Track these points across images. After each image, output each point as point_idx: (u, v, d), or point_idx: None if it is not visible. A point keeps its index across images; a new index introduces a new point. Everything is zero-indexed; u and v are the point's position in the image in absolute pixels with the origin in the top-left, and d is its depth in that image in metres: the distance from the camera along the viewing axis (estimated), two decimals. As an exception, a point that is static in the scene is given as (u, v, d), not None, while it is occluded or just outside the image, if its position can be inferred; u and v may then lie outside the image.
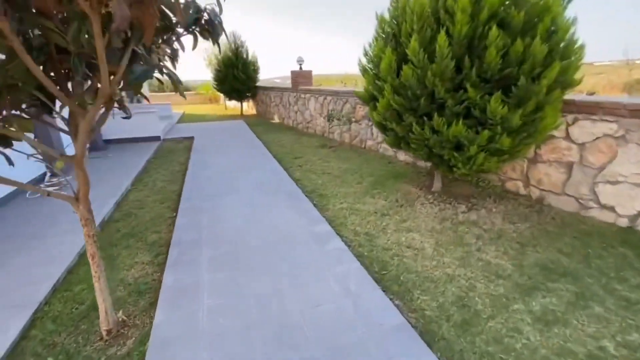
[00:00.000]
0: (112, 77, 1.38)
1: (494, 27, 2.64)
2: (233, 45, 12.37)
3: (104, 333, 1.99)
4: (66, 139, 5.47)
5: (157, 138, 7.99)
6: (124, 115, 1.91)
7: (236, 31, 12.51)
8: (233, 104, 14.61)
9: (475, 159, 3.11)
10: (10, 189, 4.17)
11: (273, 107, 11.66)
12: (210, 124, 10.91)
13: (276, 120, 11.51)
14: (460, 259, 2.72)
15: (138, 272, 2.66)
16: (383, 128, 3.87)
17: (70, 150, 1.80)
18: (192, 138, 8.39)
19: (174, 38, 1.76)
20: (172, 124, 10.55)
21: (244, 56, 12.46)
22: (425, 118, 3.26)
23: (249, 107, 14.84)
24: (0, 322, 2.03)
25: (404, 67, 3.06)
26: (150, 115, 7.88)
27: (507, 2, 2.82)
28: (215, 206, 3.92)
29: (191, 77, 24.86)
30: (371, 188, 4.46)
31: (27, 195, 4.35)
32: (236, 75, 12.12)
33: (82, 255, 2.93)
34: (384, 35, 3.53)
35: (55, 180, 4.89)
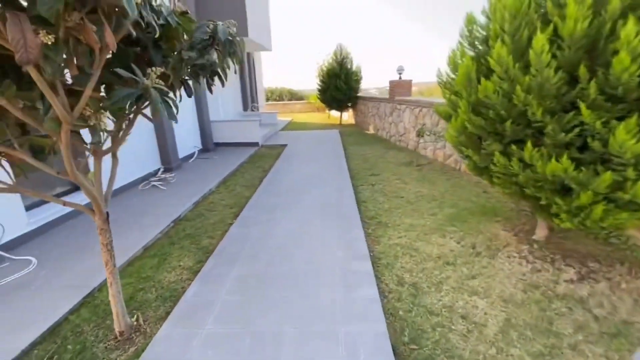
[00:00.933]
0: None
1: (631, 22, 1.71)
2: (339, 57, 12.65)
3: (117, 334, 2.13)
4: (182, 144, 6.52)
5: (256, 144, 8.77)
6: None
7: (342, 43, 12.75)
8: (336, 114, 14.98)
9: (590, 210, 2.13)
10: (121, 183, 5.14)
11: (369, 117, 11.36)
12: (307, 133, 11.39)
13: (371, 131, 11.17)
14: (538, 356, 1.88)
15: (175, 276, 2.82)
16: (460, 151, 3.12)
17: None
18: (285, 145, 8.88)
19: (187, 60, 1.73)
20: (275, 131, 11.47)
21: (348, 67, 12.59)
22: (514, 146, 2.43)
23: (349, 116, 14.95)
24: (53, 300, 2.43)
25: (483, 79, 2.33)
26: (252, 123, 8.71)
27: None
28: (270, 219, 3.91)
29: (307, 86, 26.81)
30: (447, 223, 3.68)
31: (140, 187, 5.31)
32: (338, 86, 12.35)
33: (147, 249, 3.32)
34: (468, 40, 2.82)
35: (163, 175, 5.85)
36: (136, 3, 1.24)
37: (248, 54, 12.89)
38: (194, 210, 4.37)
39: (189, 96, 2.21)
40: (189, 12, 1.74)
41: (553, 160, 2.10)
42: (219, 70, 2.04)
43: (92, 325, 2.25)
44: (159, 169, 6.08)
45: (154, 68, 1.47)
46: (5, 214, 3.15)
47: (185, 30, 1.71)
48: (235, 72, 3.79)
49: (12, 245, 3.21)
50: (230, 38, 1.81)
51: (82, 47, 1.11)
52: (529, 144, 2.27)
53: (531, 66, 2.10)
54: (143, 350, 1.98)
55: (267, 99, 25.97)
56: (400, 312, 2.29)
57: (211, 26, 1.78)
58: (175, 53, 1.77)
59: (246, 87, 12.30)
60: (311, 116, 18.54)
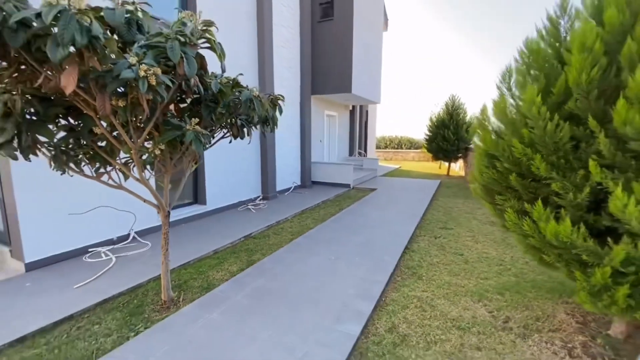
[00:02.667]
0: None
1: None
2: (450, 108, 12.39)
3: (162, 302, 2.94)
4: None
5: (347, 185, 9.42)
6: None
7: (455, 93, 12.48)
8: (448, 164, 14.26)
9: (613, 293, 1.71)
10: (228, 202, 6.53)
11: (478, 170, 10.42)
12: (406, 180, 11.30)
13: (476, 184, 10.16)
14: None
15: (220, 276, 3.56)
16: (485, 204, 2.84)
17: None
18: (374, 190, 9.18)
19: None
20: (374, 175, 11.91)
21: (460, 117, 12.13)
22: (527, 205, 2.17)
23: (460, 168, 13.97)
24: (146, 271, 3.50)
25: (482, 129, 2.26)
26: (346, 166, 9.46)
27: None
28: (312, 250, 4.30)
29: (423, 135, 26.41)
30: (493, 290, 3.24)
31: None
32: (445, 136, 11.97)
33: (216, 253, 4.26)
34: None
35: (259, 202, 7.12)
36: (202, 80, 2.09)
37: (361, 106, 14.18)
38: (264, 232, 5.21)
39: (239, 137, 3.01)
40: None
41: (552, 220, 1.83)
42: (249, 120, 2.77)
43: (155, 292, 3.16)
44: (258, 197, 7.43)
45: (193, 119, 2.31)
46: (141, 210, 4.68)
47: (224, 94, 2.54)
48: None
49: (142, 233, 4.71)
50: (252, 99, 2.54)
51: (139, 108, 1.99)
52: (539, 202, 2.03)
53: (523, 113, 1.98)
54: (167, 317, 2.70)
55: (386, 146, 26.90)
56: (370, 354, 2.27)
57: (240, 92, 2.55)
58: (219, 108, 2.60)
59: (354, 135, 13.42)
60: (422, 165, 18.11)
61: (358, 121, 14.01)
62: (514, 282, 3.40)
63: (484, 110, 2.40)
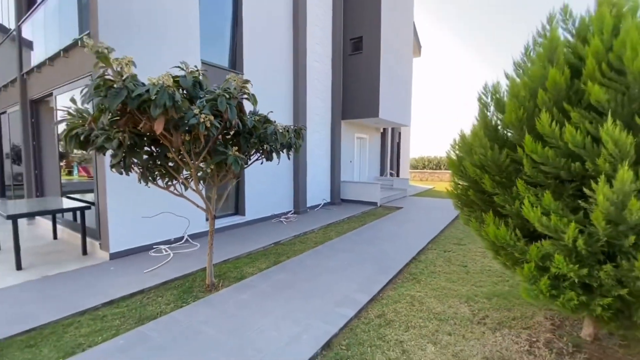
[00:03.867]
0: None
1: (545, 115, 2.09)
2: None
3: (206, 285, 3.82)
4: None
5: (374, 203, 9.97)
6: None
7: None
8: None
9: (538, 284, 2.20)
10: (263, 215, 7.46)
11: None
12: (434, 200, 11.49)
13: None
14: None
15: (251, 270, 4.37)
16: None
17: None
18: (400, 208, 9.61)
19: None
20: (403, 195, 12.28)
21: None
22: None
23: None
24: (195, 263, 4.45)
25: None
26: (373, 185, 10.05)
27: None
28: (330, 255, 4.98)
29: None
30: (483, 295, 3.66)
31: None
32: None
33: (249, 254, 5.12)
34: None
35: (290, 216, 7.97)
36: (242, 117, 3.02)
37: (393, 128, 14.76)
38: (291, 240, 6.00)
39: (269, 159, 3.89)
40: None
41: (492, 225, 2.38)
42: (275, 147, 3.63)
43: (201, 279, 4.06)
44: (289, 211, 8.31)
45: (234, 147, 3.22)
46: (192, 217, 5.74)
47: (257, 128, 3.44)
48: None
49: (193, 236, 5.75)
50: (276, 132, 3.41)
51: (198, 141, 2.93)
52: (490, 212, 2.57)
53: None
54: (204, 297, 3.55)
55: (424, 166, 26.82)
56: (358, 330, 2.89)
57: (268, 126, 3.44)
58: (252, 138, 3.50)
59: (385, 155, 13.98)
60: (459, 186, 17.90)
61: (390, 142, 14.57)
62: (506, 291, 3.77)
63: (454, 139, 3.01)
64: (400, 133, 15.98)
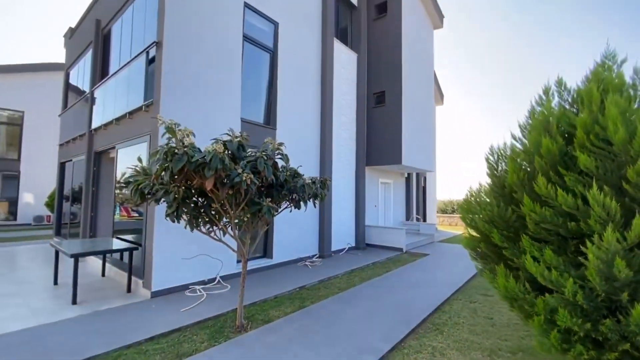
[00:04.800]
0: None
1: (525, 197, 2.38)
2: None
3: (236, 326, 4.09)
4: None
5: (400, 249, 9.95)
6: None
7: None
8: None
9: (549, 337, 2.32)
10: (289, 258, 7.75)
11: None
12: (462, 248, 11.22)
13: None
14: None
15: (277, 314, 4.61)
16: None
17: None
18: (426, 255, 9.52)
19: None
20: (431, 240, 12.11)
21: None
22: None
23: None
24: (226, 304, 4.76)
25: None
26: (398, 231, 10.11)
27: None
28: (352, 302, 5.11)
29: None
30: (507, 349, 3.63)
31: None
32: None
33: (276, 297, 5.37)
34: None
35: (315, 260, 8.19)
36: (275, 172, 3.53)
37: (417, 175, 14.99)
38: (315, 285, 6.19)
39: (297, 208, 4.32)
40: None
41: (501, 277, 2.56)
42: (303, 197, 4.07)
43: (231, 319, 4.34)
44: (315, 255, 8.54)
45: (267, 198, 3.70)
46: (225, 259, 6.14)
47: (288, 182, 3.92)
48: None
49: (224, 278, 6.12)
50: (304, 185, 3.87)
51: (239, 194, 3.43)
52: (501, 264, 2.76)
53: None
54: (234, 338, 3.81)
55: (453, 210, 26.16)
56: (378, 377, 3.00)
57: (297, 180, 3.92)
58: (283, 190, 3.98)
59: (410, 200, 14.07)
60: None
61: (415, 187, 14.72)
62: (532, 346, 3.70)
63: (466, 194, 3.29)
64: (425, 177, 16.13)
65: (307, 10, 8.77)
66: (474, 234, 3.12)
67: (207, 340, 3.72)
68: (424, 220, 15.74)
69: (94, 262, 7.20)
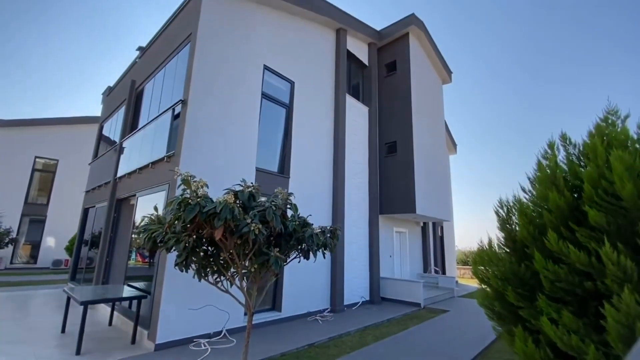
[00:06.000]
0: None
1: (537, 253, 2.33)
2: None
3: (238, 387, 3.84)
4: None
5: (418, 304, 9.38)
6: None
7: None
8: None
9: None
10: (300, 312, 7.43)
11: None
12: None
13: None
14: None
15: (283, 374, 4.32)
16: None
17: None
18: (446, 311, 8.90)
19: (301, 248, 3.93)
20: (451, 295, 11.38)
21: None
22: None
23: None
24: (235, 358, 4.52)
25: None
26: (416, 284, 9.62)
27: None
28: (367, 363, 4.74)
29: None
30: None
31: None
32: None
33: (283, 354, 5.07)
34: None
35: (326, 314, 7.79)
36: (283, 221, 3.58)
37: (434, 224, 14.64)
38: (325, 343, 5.83)
39: (306, 258, 4.28)
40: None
41: (519, 341, 2.37)
42: (312, 247, 4.05)
43: (233, 379, 4.10)
44: (326, 309, 8.15)
45: (276, 248, 3.71)
46: (232, 311, 5.96)
47: (297, 232, 3.95)
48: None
49: (230, 332, 5.89)
50: (312, 235, 3.87)
51: (246, 244, 3.47)
52: (519, 326, 2.57)
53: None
54: (241, 397, 3.56)
55: (472, 262, 24.81)
56: None
57: (306, 230, 3.94)
58: (292, 240, 3.98)
59: (427, 250, 13.55)
60: (515, 287, 16.09)
61: (431, 236, 14.28)
62: None
63: (479, 250, 3.20)
64: (442, 227, 15.69)
65: (321, 69, 9.51)
66: (488, 290, 2.97)
67: (206, 402, 3.50)
68: (443, 272, 14.97)
69: (104, 310, 7.14)
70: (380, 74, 11.91)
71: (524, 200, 2.96)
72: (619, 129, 2.79)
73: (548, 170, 2.83)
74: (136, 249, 6.94)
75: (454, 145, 17.95)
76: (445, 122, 15.18)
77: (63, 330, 5.70)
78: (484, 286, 3.09)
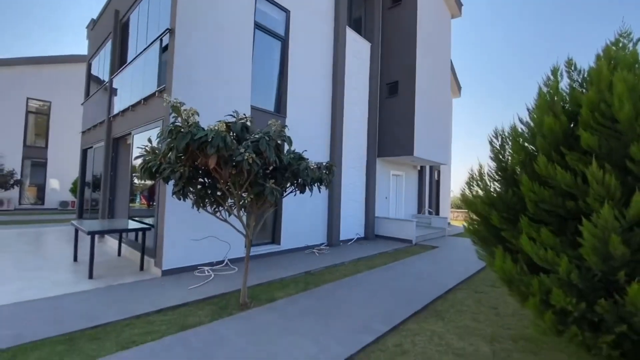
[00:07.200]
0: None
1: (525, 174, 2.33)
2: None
3: (240, 304, 4.22)
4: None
5: (409, 241, 9.88)
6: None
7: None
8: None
9: (544, 318, 2.28)
10: (297, 245, 7.85)
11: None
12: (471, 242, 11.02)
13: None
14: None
15: (281, 294, 4.71)
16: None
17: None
18: (436, 247, 9.41)
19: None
20: (442, 234, 11.94)
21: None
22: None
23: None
24: (232, 284, 4.91)
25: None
26: (409, 223, 10.02)
27: None
28: (354, 287, 5.14)
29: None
30: (507, 334, 3.58)
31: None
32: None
33: (282, 280, 5.47)
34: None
35: (322, 248, 8.26)
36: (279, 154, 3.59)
37: (431, 168, 14.74)
38: (321, 271, 6.26)
39: (302, 192, 4.38)
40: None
41: (498, 258, 2.53)
42: (308, 181, 4.12)
43: (236, 298, 4.47)
44: (322, 243, 8.61)
45: (271, 180, 3.77)
46: (233, 242, 6.29)
47: (291, 165, 3.97)
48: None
49: (232, 261, 6.29)
50: (307, 168, 3.90)
51: (242, 174, 3.51)
52: (499, 247, 2.72)
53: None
54: (237, 314, 3.93)
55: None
56: (372, 355, 3.04)
57: (301, 163, 3.96)
58: (287, 173, 4.03)
59: (423, 193, 13.88)
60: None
61: (427, 180, 14.49)
62: (535, 336, 3.64)
63: (468, 178, 3.24)
64: (439, 171, 15.85)
65: (320, -2, 8.71)
66: (474, 217, 3.09)
67: (210, 315, 3.87)
68: (437, 213, 15.51)
69: (112, 242, 7.54)
70: (384, 5, 10.95)
71: (520, 129, 2.91)
72: (628, 52, 2.64)
73: (547, 97, 2.74)
74: (136, 182, 7.08)
75: (459, 87, 17.27)
76: (452, 62, 14.40)
77: (75, 259, 6.08)
78: (471, 214, 3.20)
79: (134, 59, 7.18)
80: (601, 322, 2.05)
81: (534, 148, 2.76)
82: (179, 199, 3.69)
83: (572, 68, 2.91)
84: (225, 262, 6.11)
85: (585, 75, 2.86)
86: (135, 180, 7.08)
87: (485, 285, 5.63)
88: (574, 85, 2.86)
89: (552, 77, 2.91)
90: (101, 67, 10.15)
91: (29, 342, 3.05)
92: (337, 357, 2.93)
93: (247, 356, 2.92)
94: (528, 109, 3.12)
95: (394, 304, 4.41)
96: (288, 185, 4.31)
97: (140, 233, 5.85)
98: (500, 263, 2.51)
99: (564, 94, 2.78)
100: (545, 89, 2.92)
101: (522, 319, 4.10)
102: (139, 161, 3.96)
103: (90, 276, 5.02)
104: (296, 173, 4.03)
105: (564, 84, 2.92)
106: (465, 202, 3.13)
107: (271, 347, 3.12)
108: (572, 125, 2.52)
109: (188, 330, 3.41)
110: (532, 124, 2.74)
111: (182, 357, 2.88)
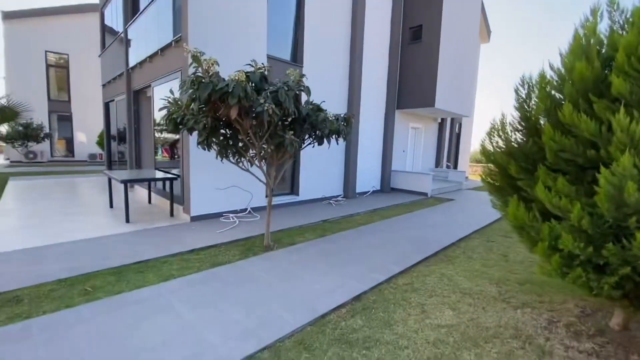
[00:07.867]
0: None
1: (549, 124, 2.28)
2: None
3: (264, 246, 4.59)
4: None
5: (424, 194, 10.00)
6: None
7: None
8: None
9: (551, 261, 2.42)
10: (315, 196, 8.14)
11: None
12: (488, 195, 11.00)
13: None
14: None
15: (301, 239, 5.06)
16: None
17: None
18: (452, 200, 9.52)
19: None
20: (458, 187, 11.97)
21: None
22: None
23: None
24: (254, 230, 5.29)
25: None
26: (425, 176, 10.05)
27: None
28: (367, 233, 5.43)
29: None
30: (515, 279, 3.80)
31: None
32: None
33: (302, 226, 5.83)
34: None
35: (339, 199, 8.53)
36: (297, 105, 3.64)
37: (452, 119, 14.24)
38: (337, 220, 6.56)
39: (320, 144, 4.46)
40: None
41: (511, 206, 2.62)
42: (326, 133, 4.17)
43: (260, 241, 4.85)
44: (339, 195, 8.87)
45: (290, 132, 3.85)
46: (255, 192, 6.61)
47: (310, 116, 4.00)
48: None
49: (254, 209, 6.66)
50: (325, 119, 3.93)
51: (262, 126, 3.60)
52: (515, 196, 2.79)
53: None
54: (262, 254, 4.31)
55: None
56: (385, 292, 3.35)
57: (319, 114, 3.98)
58: (306, 124, 4.09)
59: (441, 147, 13.63)
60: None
61: (448, 133, 14.13)
62: (542, 281, 3.84)
63: (489, 129, 3.20)
64: (460, 124, 15.32)
65: None
66: (492, 167, 3.11)
67: (238, 255, 4.26)
68: (455, 167, 15.35)
69: (142, 192, 8.06)
70: None
71: (549, 77, 2.78)
72: (684, -13, 2.38)
73: (583, 40, 2.57)
74: (156, 135, 7.33)
75: (488, 32, 15.88)
76: (482, 2, 13.10)
77: (111, 206, 6.62)
78: (489, 164, 3.22)
79: (148, 5, 6.98)
80: (605, 265, 2.16)
81: (561, 96, 2.67)
82: (204, 149, 3.87)
83: (615, 7, 2.66)
84: (248, 210, 6.49)
85: (628, 16, 2.63)
86: (156, 134, 7.31)
87: (497, 235, 5.79)
88: (614, 27, 2.65)
89: (590, 18, 2.70)
90: (114, 15, 9.92)
91: (84, 273, 3.52)
92: (352, 291, 3.25)
93: (272, 288, 3.29)
94: (561, 54, 2.95)
95: (407, 249, 4.68)
96: (306, 137, 4.39)
97: (167, 182, 6.22)
98: (514, 210, 2.59)
99: (602, 37, 2.59)
100: (582, 32, 2.72)
101: (531, 266, 4.29)
102: (162, 113, 4.09)
103: (127, 220, 5.50)
104: (315, 124, 4.08)
105: (603, 26, 2.70)
106: (484, 154, 3.13)
107: (294, 281, 3.47)
108: (605, 72, 2.39)
109: (219, 267, 3.81)
110: (562, 70, 2.61)
111: (217, 287, 3.28)
